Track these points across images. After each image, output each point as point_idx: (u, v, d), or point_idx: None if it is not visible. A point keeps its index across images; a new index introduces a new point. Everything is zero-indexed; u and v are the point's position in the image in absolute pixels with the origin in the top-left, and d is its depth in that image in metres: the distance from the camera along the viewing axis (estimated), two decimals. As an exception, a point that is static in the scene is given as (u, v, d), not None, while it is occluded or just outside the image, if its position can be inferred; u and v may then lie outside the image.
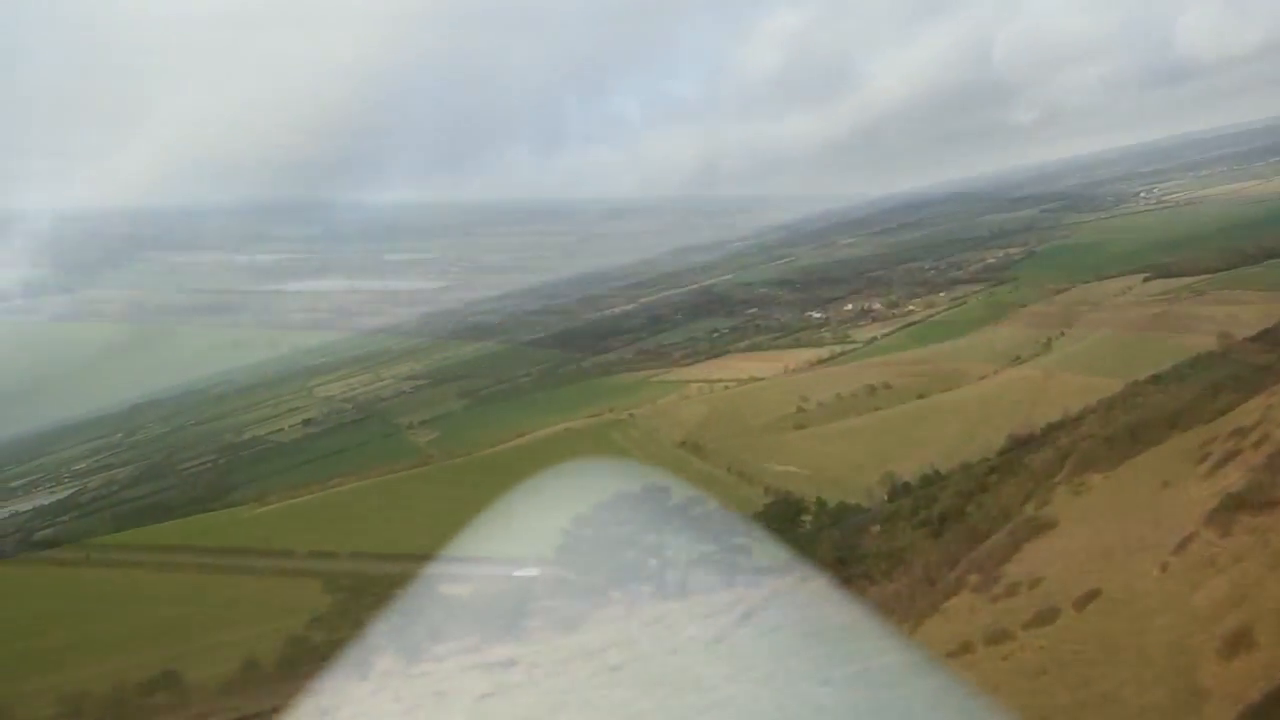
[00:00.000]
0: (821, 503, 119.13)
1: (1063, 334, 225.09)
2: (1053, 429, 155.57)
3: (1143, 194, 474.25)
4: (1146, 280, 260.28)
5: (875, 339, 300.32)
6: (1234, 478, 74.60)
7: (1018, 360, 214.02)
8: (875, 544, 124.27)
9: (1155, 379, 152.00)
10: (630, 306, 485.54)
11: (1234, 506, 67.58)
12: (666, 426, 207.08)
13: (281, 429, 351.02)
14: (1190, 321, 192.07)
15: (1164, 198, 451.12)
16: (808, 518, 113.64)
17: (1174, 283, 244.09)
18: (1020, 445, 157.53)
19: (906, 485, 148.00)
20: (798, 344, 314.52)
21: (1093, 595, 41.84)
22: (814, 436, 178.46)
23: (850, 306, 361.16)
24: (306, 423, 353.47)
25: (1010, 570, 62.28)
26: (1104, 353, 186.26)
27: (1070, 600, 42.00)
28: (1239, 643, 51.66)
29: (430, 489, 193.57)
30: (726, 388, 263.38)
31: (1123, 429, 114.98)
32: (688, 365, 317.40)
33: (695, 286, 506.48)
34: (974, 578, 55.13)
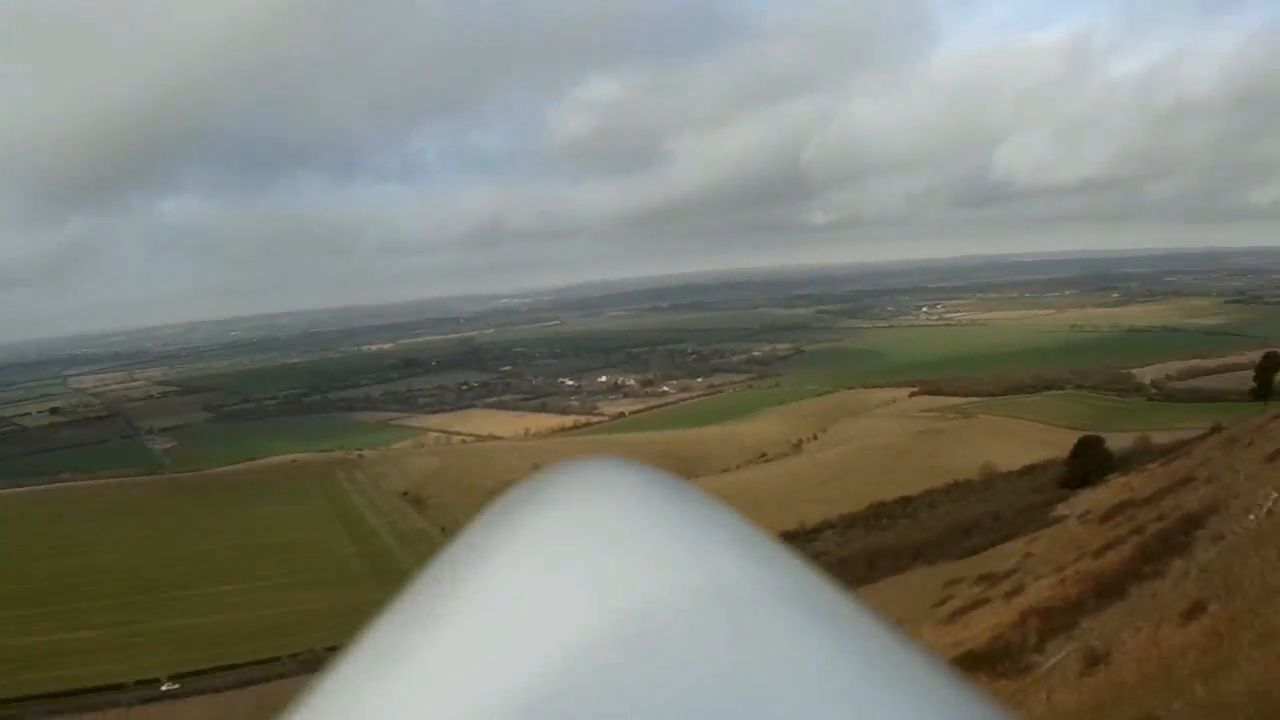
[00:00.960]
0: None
1: (816, 438, 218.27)
2: (786, 538, 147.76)
3: (925, 309, 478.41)
4: (913, 395, 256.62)
5: (623, 415, 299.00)
6: (977, 630, 67.24)
7: (763, 458, 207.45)
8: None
9: (904, 501, 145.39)
10: (389, 346, 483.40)
11: (973, 666, 59.68)
12: (394, 473, 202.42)
13: (29, 414, 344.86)
14: (953, 445, 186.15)
15: (947, 315, 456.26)
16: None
17: (942, 401, 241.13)
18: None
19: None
20: (544, 409, 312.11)
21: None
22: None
23: (604, 379, 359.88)
24: (54, 411, 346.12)
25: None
26: (855, 465, 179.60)
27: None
28: None
29: (150, 502, 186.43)
30: (464, 442, 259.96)
31: (859, 553, 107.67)
32: (431, 414, 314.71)
33: (457, 336, 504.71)
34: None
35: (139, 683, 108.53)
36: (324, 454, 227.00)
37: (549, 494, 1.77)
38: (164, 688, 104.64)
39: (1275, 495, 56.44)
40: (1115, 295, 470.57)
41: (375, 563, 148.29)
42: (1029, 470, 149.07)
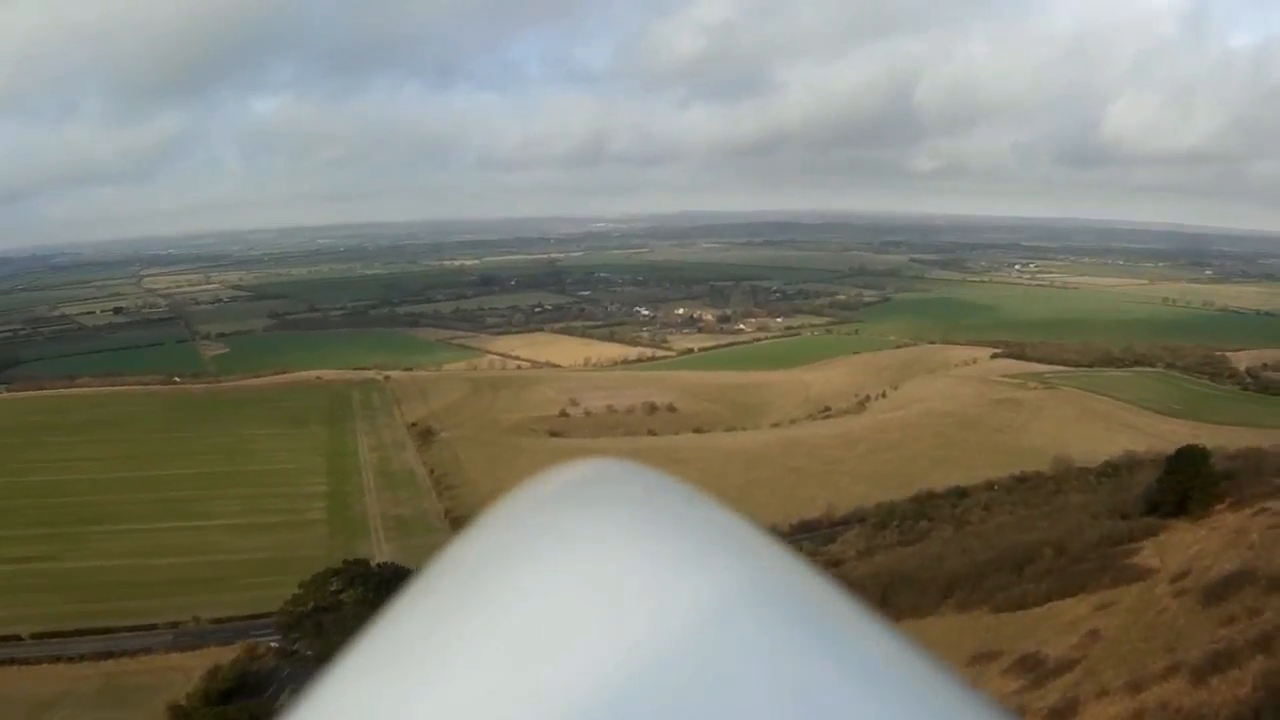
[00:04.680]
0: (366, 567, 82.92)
1: (885, 395, 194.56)
2: (807, 529, 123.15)
3: (1018, 267, 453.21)
4: (995, 357, 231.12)
5: (692, 351, 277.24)
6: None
7: (825, 413, 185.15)
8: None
9: (957, 496, 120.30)
10: (472, 262, 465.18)
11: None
12: (416, 399, 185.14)
13: (94, 312, 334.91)
14: (1029, 420, 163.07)
15: (1039, 275, 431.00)
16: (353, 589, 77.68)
17: (1024, 366, 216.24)
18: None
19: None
20: (612, 338, 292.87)
21: None
22: (548, 450, 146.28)
23: (682, 311, 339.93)
24: (118, 311, 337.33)
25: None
26: (917, 433, 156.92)
27: None
28: None
29: (151, 415, 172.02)
30: (519, 367, 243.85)
31: (878, 574, 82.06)
32: (496, 335, 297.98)
33: (543, 257, 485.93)
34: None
35: (1, 638, 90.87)
36: (355, 372, 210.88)
37: (550, 495, 1.91)
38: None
39: None
40: (1209, 272, 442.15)
41: (339, 508, 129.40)
42: (1111, 470, 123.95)
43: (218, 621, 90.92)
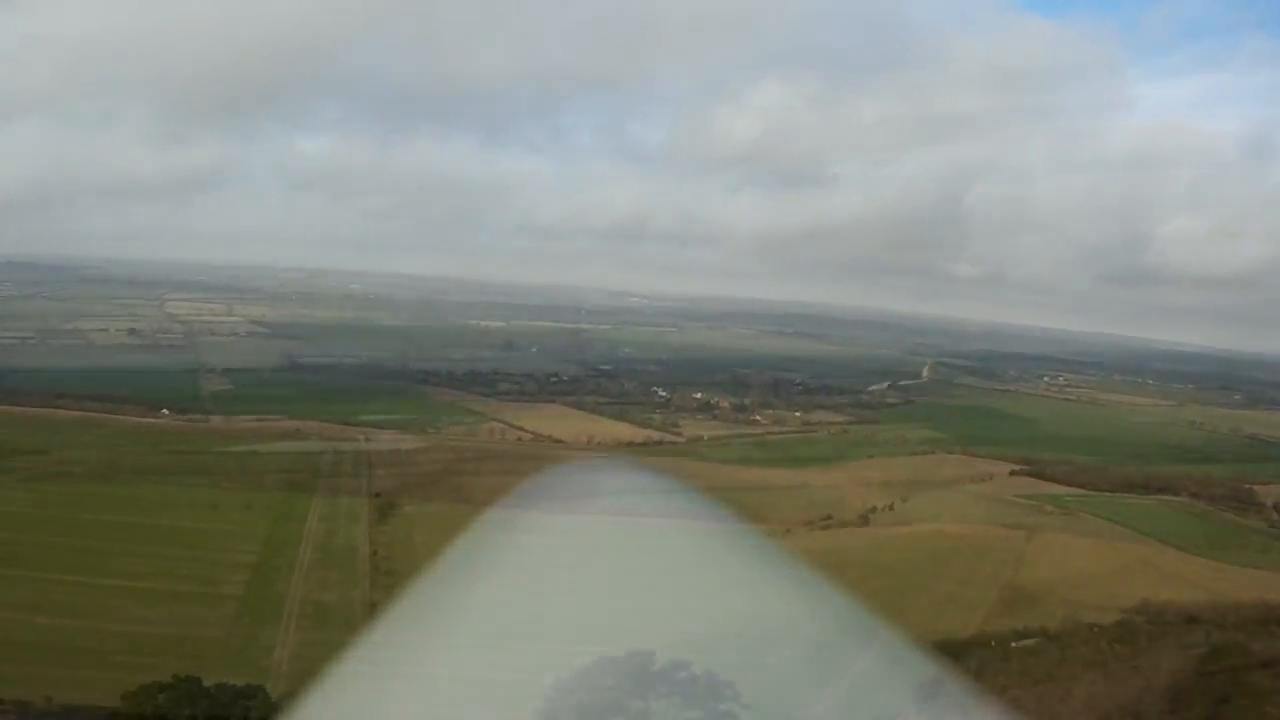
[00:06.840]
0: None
1: (893, 507, 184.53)
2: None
3: (1047, 379, 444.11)
4: (1013, 474, 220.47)
5: (700, 439, 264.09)
6: None
7: (826, 522, 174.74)
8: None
9: (952, 654, 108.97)
10: (498, 324, 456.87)
11: None
12: (392, 463, 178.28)
13: (107, 330, 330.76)
14: (1041, 551, 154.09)
15: (1066, 389, 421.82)
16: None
17: (1042, 486, 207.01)
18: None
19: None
20: (623, 417, 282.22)
21: None
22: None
23: (699, 396, 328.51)
24: (131, 332, 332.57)
25: None
26: (919, 559, 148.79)
27: None
28: None
29: (118, 451, 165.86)
30: (519, 439, 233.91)
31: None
32: (506, 402, 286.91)
33: (571, 327, 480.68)
34: None
35: None
36: (342, 427, 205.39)
37: (550, 495, 2.34)
38: None
39: None
40: (1238, 397, 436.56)
41: (259, 584, 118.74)
42: (1127, 635, 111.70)
43: (68, 708, 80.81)
